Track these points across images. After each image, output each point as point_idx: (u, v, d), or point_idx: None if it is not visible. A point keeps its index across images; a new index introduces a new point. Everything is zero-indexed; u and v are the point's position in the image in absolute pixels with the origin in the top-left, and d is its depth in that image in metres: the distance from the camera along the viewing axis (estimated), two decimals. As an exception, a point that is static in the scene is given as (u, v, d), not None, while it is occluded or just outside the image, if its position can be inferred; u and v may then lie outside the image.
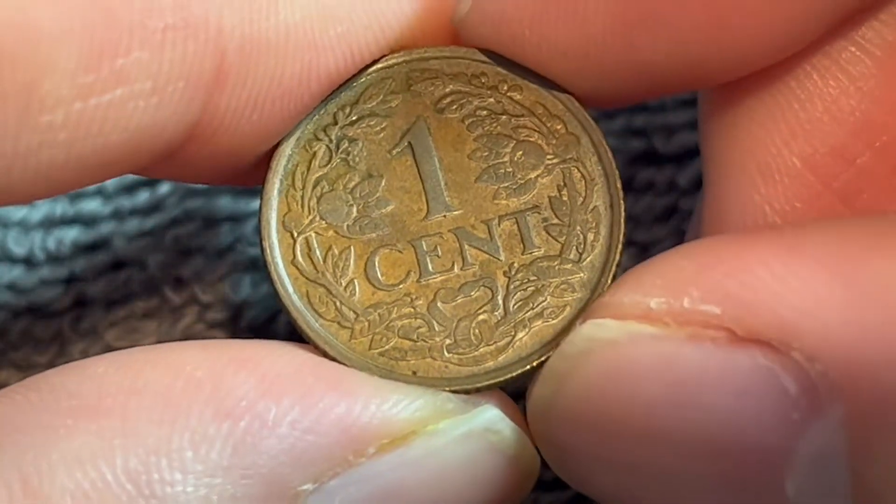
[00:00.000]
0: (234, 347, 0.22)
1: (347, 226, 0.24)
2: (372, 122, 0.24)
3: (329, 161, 0.24)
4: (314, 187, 0.24)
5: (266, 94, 0.23)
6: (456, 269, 0.24)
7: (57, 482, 0.20)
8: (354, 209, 0.24)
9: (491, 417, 0.23)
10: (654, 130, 0.30)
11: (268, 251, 0.24)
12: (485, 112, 0.25)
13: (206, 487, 0.21)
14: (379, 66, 0.24)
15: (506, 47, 0.24)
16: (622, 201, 0.24)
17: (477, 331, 0.24)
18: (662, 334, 0.21)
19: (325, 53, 0.23)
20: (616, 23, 0.23)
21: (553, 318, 0.24)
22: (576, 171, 0.24)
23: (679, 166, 0.30)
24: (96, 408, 0.21)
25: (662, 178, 0.30)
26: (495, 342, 0.24)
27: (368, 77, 0.24)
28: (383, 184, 0.24)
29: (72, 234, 0.30)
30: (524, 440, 0.23)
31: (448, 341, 0.24)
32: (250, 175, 0.25)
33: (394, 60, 0.24)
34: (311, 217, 0.24)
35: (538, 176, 0.24)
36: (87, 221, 0.30)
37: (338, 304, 0.24)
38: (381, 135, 0.24)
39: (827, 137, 0.23)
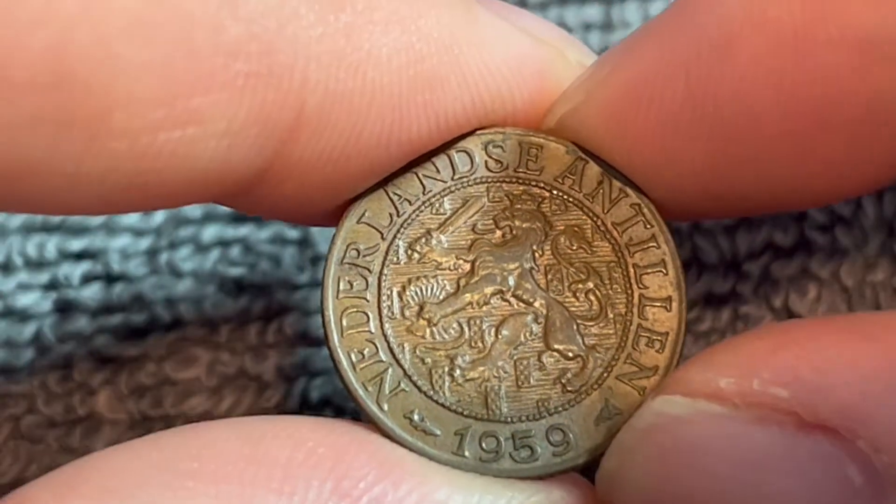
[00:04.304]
0: (355, 429, 0.23)
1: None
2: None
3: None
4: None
5: (341, 150, 0.23)
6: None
7: None
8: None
9: None
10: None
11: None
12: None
13: None
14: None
15: (612, 150, 0.25)
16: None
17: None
18: (731, 414, 0.21)
19: (408, 118, 0.23)
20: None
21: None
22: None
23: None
24: (216, 473, 0.21)
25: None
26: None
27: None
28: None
29: (63, 243, 0.31)
30: None
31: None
32: (324, 220, 0.25)
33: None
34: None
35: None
36: (77, 231, 0.31)
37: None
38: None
39: None
